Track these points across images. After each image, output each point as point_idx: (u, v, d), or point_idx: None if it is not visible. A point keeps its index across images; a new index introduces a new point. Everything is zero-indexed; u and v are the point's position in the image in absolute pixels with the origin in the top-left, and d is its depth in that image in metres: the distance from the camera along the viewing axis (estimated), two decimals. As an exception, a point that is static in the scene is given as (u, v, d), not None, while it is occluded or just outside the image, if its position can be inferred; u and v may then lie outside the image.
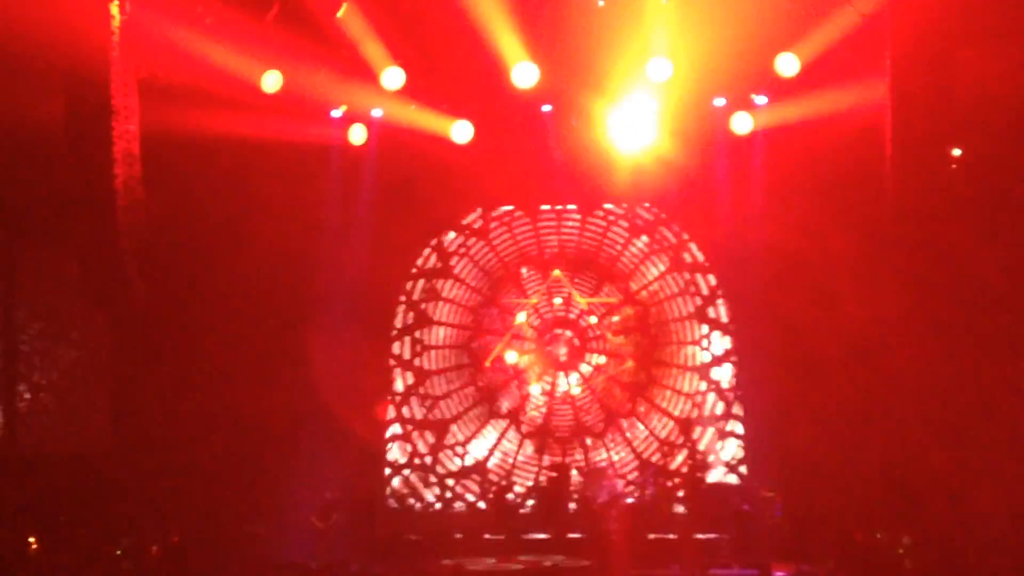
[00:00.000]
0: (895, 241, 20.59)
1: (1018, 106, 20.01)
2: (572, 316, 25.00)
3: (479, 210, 25.05)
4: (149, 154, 21.15)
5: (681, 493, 23.48)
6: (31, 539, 20.69)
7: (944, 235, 19.78)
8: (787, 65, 21.35)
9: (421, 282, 25.05)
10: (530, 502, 23.89)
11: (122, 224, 20.77)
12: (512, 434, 24.87)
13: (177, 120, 21.28)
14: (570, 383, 24.92)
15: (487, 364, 24.93)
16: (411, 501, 24.43)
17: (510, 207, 25.05)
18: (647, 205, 24.77)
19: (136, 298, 21.06)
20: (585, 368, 24.96)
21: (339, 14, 20.59)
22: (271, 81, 21.59)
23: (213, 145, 21.79)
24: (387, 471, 24.60)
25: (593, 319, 24.91)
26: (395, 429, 24.79)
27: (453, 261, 25.07)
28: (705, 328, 24.75)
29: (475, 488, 24.48)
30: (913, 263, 20.22)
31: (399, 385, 24.92)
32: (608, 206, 24.97)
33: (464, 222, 25.11)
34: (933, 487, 20.46)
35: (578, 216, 25.11)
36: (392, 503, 24.33)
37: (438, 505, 24.45)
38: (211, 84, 21.40)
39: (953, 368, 20.45)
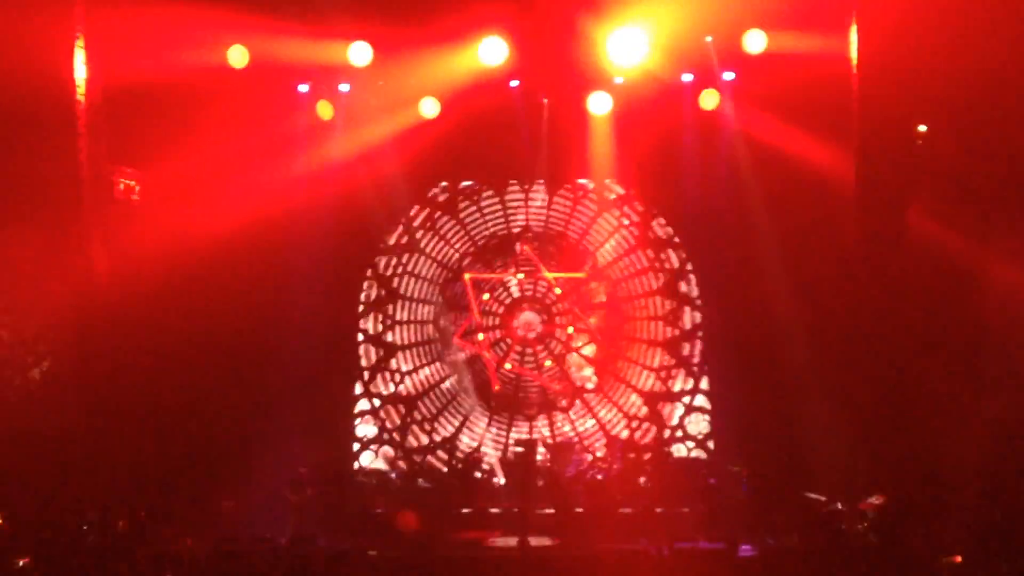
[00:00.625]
0: (861, 217, 20.77)
1: (985, 81, 20.07)
2: (540, 292, 25.04)
3: (445, 184, 25.03)
4: (115, 129, 21.31)
5: (648, 468, 23.64)
6: (-3, 515, 20.67)
7: (909, 208, 19.96)
8: (755, 42, 21.45)
9: (390, 257, 25.09)
10: (498, 477, 23.87)
11: (87, 199, 20.84)
12: (480, 409, 24.93)
13: (144, 95, 21.35)
14: (538, 358, 24.97)
15: (455, 340, 24.96)
16: (380, 475, 24.42)
17: (477, 182, 25.03)
18: (614, 181, 24.78)
19: (102, 273, 21.11)
20: (553, 344, 25.01)
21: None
22: (237, 56, 21.63)
23: (179, 120, 21.78)
24: (356, 446, 24.62)
25: (561, 294, 24.94)
26: (363, 404, 24.81)
27: (419, 235, 25.08)
28: (673, 303, 24.82)
29: (443, 463, 24.49)
30: (878, 240, 20.40)
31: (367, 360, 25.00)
32: (576, 181, 24.99)
33: (431, 196, 25.08)
34: (899, 459, 20.60)
35: (545, 192, 25.12)
36: (361, 478, 24.32)
37: (407, 479, 24.45)
38: (178, 60, 21.51)
39: (917, 336, 20.57)
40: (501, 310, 25.01)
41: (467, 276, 24.95)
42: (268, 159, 23.01)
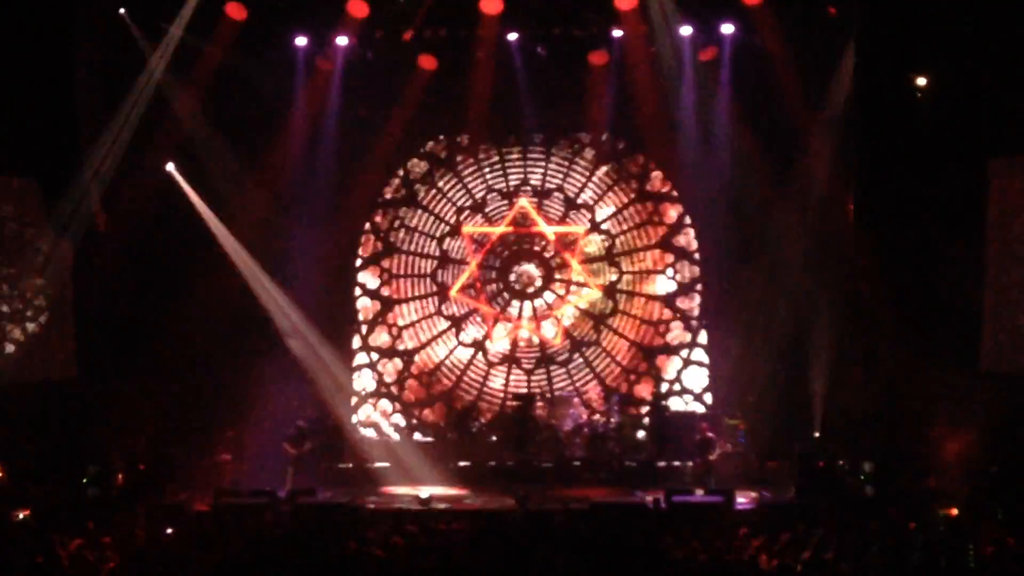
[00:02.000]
0: (859, 168, 20.75)
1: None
2: (538, 246, 24.99)
3: (443, 138, 24.95)
4: (114, 84, 21.26)
5: (646, 420, 23.71)
6: (-3, 468, 20.73)
7: (905, 161, 19.91)
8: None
9: (388, 211, 25.05)
10: (495, 431, 23.87)
11: (86, 153, 20.80)
12: (478, 363, 24.93)
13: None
14: (536, 312, 24.95)
15: (453, 294, 24.94)
16: (377, 429, 24.48)
17: (475, 136, 24.90)
18: (612, 135, 24.70)
19: (100, 227, 21.09)
20: (551, 297, 24.99)
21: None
22: (236, 8, 21.58)
23: (177, 75, 21.79)
24: (354, 400, 24.66)
25: (558, 249, 24.91)
26: (361, 358, 24.83)
27: (416, 188, 25.04)
28: (671, 257, 24.80)
29: (441, 417, 24.52)
30: (876, 192, 20.37)
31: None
32: (573, 135, 24.91)
33: (430, 151, 25.02)
34: (896, 416, 20.67)
35: (543, 146, 25.04)
36: (358, 431, 24.37)
37: (404, 434, 24.51)
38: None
39: (916, 286, 20.61)
40: (499, 264, 24.98)
41: (466, 230, 24.91)
42: (264, 112, 23.02)
